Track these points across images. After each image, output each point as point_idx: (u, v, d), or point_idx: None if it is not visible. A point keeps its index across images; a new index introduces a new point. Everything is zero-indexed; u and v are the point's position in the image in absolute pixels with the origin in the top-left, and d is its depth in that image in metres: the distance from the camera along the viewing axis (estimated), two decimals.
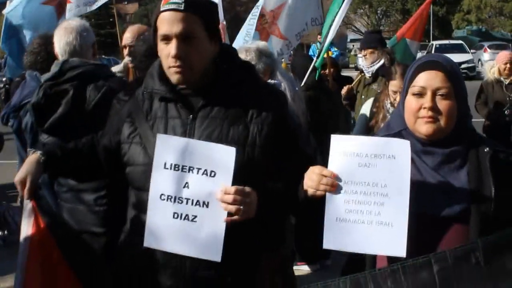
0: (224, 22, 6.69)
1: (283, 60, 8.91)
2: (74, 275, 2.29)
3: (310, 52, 12.31)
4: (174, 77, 2.20)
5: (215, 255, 2.07)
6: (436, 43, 32.51)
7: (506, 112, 7.07)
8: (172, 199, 2.11)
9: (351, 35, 55.79)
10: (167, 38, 2.16)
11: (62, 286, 2.30)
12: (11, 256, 5.77)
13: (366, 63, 6.12)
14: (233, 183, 2.05)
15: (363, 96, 6.07)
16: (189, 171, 2.09)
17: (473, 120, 3.78)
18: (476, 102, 7.45)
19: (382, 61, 5.90)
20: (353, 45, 49.11)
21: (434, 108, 2.05)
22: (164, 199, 2.11)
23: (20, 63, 6.51)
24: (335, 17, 6.39)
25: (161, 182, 2.11)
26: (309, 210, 2.30)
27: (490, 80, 7.42)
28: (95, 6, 8.12)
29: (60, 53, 3.42)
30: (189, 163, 2.09)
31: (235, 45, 6.18)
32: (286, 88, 4.00)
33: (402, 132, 2.16)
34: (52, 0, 7.62)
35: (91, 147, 2.44)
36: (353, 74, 11.31)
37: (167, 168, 2.10)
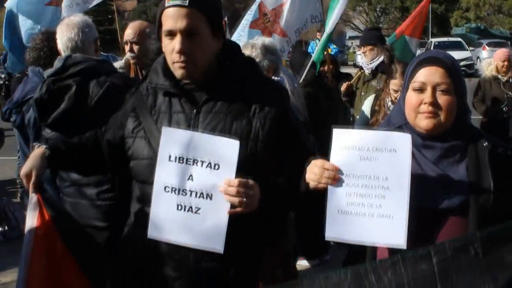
0: (226, 19, 6.69)
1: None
2: (78, 268, 2.32)
3: (309, 49, 12.32)
4: (178, 72, 2.24)
5: (218, 247, 2.11)
6: (434, 40, 32.57)
7: (504, 109, 7.10)
8: (176, 191, 2.14)
9: (349, 32, 55.76)
10: (171, 34, 2.19)
11: (66, 278, 2.32)
12: (11, 252, 5.82)
13: (366, 60, 6.15)
14: (236, 177, 2.09)
15: (362, 93, 6.11)
16: (193, 164, 2.13)
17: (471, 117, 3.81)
18: (473, 99, 7.48)
19: (381, 58, 5.93)
20: (352, 42, 49.11)
21: (434, 104, 2.09)
22: (168, 191, 2.14)
23: (21, 59, 6.54)
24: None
25: (165, 174, 2.14)
26: (311, 203, 2.34)
27: (487, 77, 7.44)
28: (94, 3, 8.12)
29: (63, 49, 3.44)
30: (193, 156, 2.12)
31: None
32: (286, 84, 4.03)
33: (402, 127, 2.19)
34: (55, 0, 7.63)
35: (95, 142, 2.47)
36: (351, 71, 11.35)
37: (172, 161, 2.14)
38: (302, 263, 5.54)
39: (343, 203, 2.07)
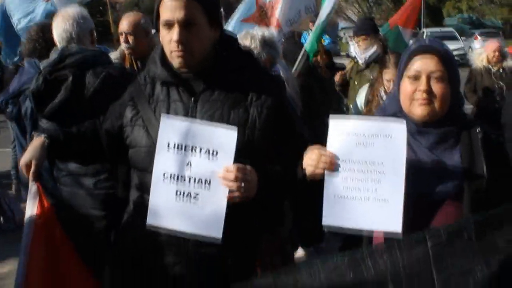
0: (222, 9, 6.67)
1: None
2: (77, 256, 2.35)
3: (302, 40, 12.33)
4: (176, 62, 2.27)
5: (216, 233, 2.14)
6: (427, 31, 32.53)
7: (496, 99, 7.14)
8: (175, 178, 2.17)
9: (342, 23, 55.63)
10: (169, 24, 2.21)
11: (66, 266, 2.35)
12: (7, 243, 5.82)
13: (359, 49, 6.17)
14: (234, 164, 2.12)
15: (356, 83, 6.14)
16: (191, 151, 2.16)
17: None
18: (464, 89, 7.52)
19: (374, 48, 5.96)
20: (344, 33, 49.00)
21: (429, 91, 2.13)
22: (167, 178, 2.18)
23: (15, 51, 6.54)
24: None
25: (164, 161, 2.18)
26: (307, 191, 2.38)
27: (478, 68, 7.49)
28: None
29: (58, 40, 3.45)
30: (192, 143, 2.16)
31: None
32: (281, 74, 4.04)
33: (397, 114, 2.23)
34: None
35: (94, 131, 2.49)
36: (344, 62, 11.35)
37: (171, 148, 2.17)
38: (297, 251, 5.58)
39: (340, 188, 2.11)
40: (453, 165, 2.14)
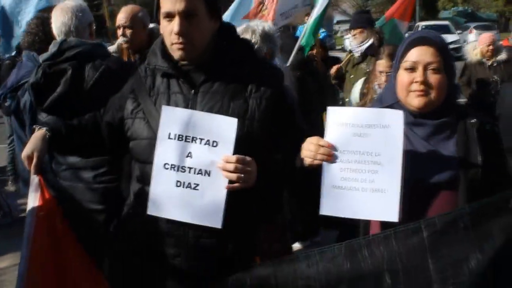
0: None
1: None
2: (79, 247, 2.37)
3: (298, 34, 12.31)
4: (176, 53, 2.29)
5: (216, 222, 2.17)
6: (422, 24, 32.54)
7: (490, 92, 7.16)
8: (176, 168, 2.20)
9: (337, 17, 55.53)
10: (170, 16, 2.23)
11: (68, 257, 2.37)
12: (4, 238, 5.83)
13: (355, 42, 6.19)
14: (234, 154, 2.15)
15: (351, 76, 6.16)
16: (192, 141, 2.19)
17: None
18: (459, 81, 7.53)
19: (371, 41, 5.99)
20: (340, 27, 48.95)
21: (425, 82, 2.16)
22: (167, 168, 2.21)
23: (10, 43, 6.53)
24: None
25: (165, 152, 2.21)
26: (305, 183, 2.41)
27: (473, 61, 7.50)
28: None
29: (57, 33, 3.46)
30: (192, 134, 2.19)
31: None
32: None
33: (394, 105, 2.26)
34: None
35: (95, 124, 2.51)
36: (339, 55, 11.37)
37: (171, 138, 2.20)
38: (294, 245, 5.62)
39: (338, 179, 2.14)
40: (449, 154, 2.18)
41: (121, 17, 4.34)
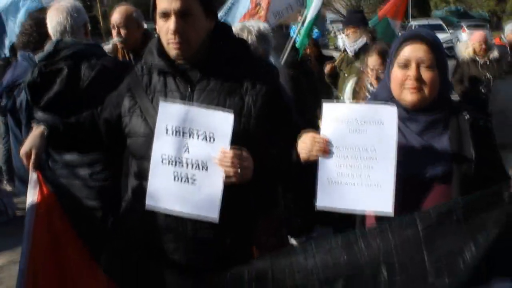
0: None
1: None
2: (79, 242, 2.39)
3: (291, 33, 12.35)
4: (173, 52, 2.31)
5: (213, 215, 2.21)
6: (415, 23, 32.67)
7: (482, 90, 7.20)
8: (173, 162, 2.23)
9: (330, 16, 55.58)
10: (166, 15, 2.26)
11: (68, 252, 2.39)
12: (1, 236, 5.83)
13: (349, 41, 6.23)
14: (231, 148, 2.18)
15: (346, 74, 6.20)
16: (189, 136, 2.22)
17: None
18: (451, 80, 7.58)
19: (364, 40, 6.03)
20: (333, 26, 49.01)
21: (419, 78, 2.20)
22: (165, 162, 2.24)
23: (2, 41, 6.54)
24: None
25: (162, 145, 2.24)
26: (300, 179, 2.44)
27: (465, 59, 7.54)
28: None
29: (52, 33, 3.48)
30: (190, 128, 2.22)
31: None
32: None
33: (388, 101, 2.30)
34: None
35: (92, 121, 2.54)
36: (332, 54, 11.38)
37: (169, 132, 2.23)
38: (290, 241, 5.65)
39: (333, 174, 2.17)
40: (442, 149, 2.21)
41: (116, 17, 4.36)
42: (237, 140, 2.20)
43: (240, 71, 2.38)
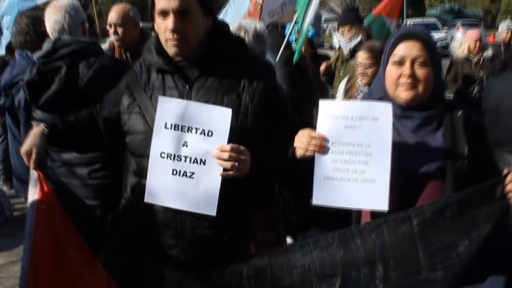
0: None
1: None
2: (80, 240, 2.41)
3: (286, 31, 12.35)
4: (171, 50, 2.35)
5: (211, 210, 2.24)
6: (410, 21, 32.75)
7: (475, 89, 7.23)
8: (172, 157, 2.27)
9: (325, 15, 55.63)
10: (164, 13, 2.29)
11: (69, 250, 2.42)
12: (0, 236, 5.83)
13: (344, 39, 6.27)
14: (228, 144, 2.21)
15: (341, 72, 6.23)
16: (188, 131, 2.26)
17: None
18: (445, 78, 7.61)
19: (359, 38, 6.07)
20: (327, 25, 49.06)
21: (413, 76, 2.24)
22: (164, 157, 2.27)
23: None
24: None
25: (161, 141, 2.27)
26: (296, 177, 2.47)
27: (459, 57, 7.58)
28: None
29: (50, 32, 3.49)
30: (188, 124, 2.26)
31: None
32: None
33: (383, 98, 2.33)
34: None
35: (91, 120, 2.56)
36: (328, 53, 11.41)
37: (168, 128, 2.27)
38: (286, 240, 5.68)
39: (329, 170, 2.21)
40: (436, 146, 2.25)
41: (113, 15, 4.37)
42: (234, 137, 2.24)
43: (238, 69, 2.41)
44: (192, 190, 2.26)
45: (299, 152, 2.24)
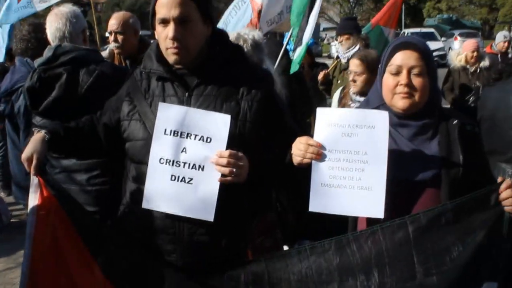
0: None
1: None
2: (80, 245, 2.43)
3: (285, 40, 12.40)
4: (171, 58, 2.38)
5: (209, 215, 2.27)
6: (407, 31, 32.88)
7: (471, 99, 7.27)
8: (171, 163, 2.30)
9: (323, 24, 55.88)
10: (165, 21, 2.33)
11: (69, 255, 2.43)
12: None
13: (342, 48, 6.30)
14: (227, 150, 2.24)
15: (339, 81, 6.27)
16: (187, 137, 2.29)
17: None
18: (442, 87, 7.65)
19: (357, 47, 6.09)
20: (326, 34, 49.28)
21: (409, 85, 2.28)
22: (163, 163, 2.30)
23: None
24: (306, 9, 6.40)
25: (161, 147, 2.30)
26: (293, 184, 2.50)
27: (456, 67, 7.62)
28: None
29: (51, 39, 3.52)
30: (187, 130, 2.29)
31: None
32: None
33: (380, 107, 2.37)
34: None
35: (91, 126, 2.59)
36: (326, 62, 11.46)
37: (167, 134, 2.30)
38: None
39: (326, 177, 2.24)
40: (431, 154, 2.29)
41: (113, 23, 4.40)
42: (232, 143, 2.27)
43: (237, 76, 2.44)
44: (190, 196, 2.29)
45: (296, 159, 2.27)
